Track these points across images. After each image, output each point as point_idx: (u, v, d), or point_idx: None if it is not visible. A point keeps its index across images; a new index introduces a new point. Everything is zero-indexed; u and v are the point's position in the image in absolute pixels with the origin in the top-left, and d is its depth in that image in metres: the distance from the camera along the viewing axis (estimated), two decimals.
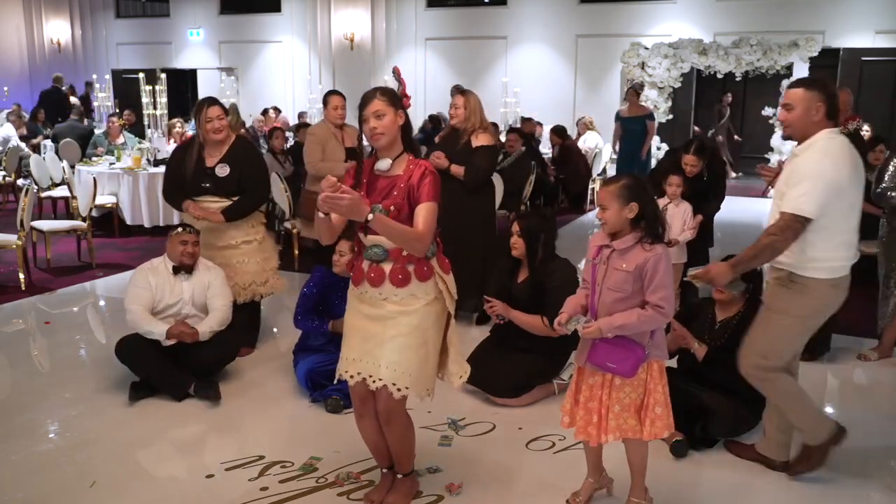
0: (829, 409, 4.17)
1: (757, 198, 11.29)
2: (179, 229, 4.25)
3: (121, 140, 9.46)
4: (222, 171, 4.42)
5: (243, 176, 4.46)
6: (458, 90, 5.22)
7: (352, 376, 2.80)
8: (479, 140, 5.04)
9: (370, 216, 2.53)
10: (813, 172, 2.95)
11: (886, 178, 4.62)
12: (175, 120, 10.24)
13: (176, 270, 4.20)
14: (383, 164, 2.75)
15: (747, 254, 3.05)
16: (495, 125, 9.92)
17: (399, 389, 2.74)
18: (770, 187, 3.81)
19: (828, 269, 3.04)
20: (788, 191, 3.00)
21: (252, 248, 4.61)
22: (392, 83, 2.76)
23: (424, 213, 2.69)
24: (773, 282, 3.18)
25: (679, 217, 4.92)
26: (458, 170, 4.99)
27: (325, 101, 5.81)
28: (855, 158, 3.04)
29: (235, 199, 4.46)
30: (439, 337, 2.86)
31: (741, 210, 10.60)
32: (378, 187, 2.75)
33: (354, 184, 2.78)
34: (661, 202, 4.96)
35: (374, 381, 2.75)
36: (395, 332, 2.74)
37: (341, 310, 4.13)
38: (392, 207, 2.69)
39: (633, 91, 10.03)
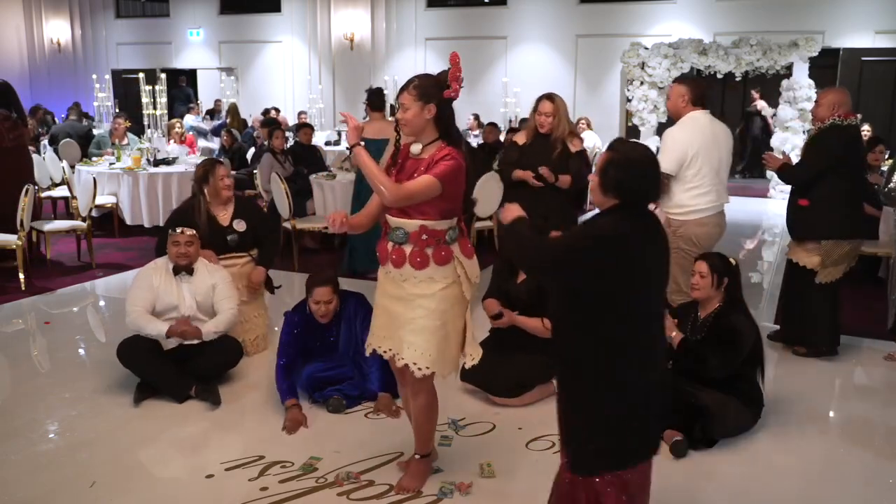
0: (829, 412, 4.18)
1: (755, 198, 11.29)
2: (174, 230, 4.20)
3: (125, 141, 9.46)
4: (240, 226, 4.66)
5: (258, 227, 4.74)
6: (545, 96, 4.96)
7: (385, 351, 2.98)
8: (576, 145, 4.94)
9: (358, 145, 2.85)
10: (666, 141, 4.33)
11: (895, 179, 4.63)
12: (174, 120, 10.24)
13: (176, 271, 4.19)
14: (415, 147, 2.92)
15: None
16: (494, 125, 9.98)
17: (420, 369, 2.87)
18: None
19: (690, 211, 4.32)
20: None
21: (261, 303, 4.85)
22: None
23: (418, 180, 2.80)
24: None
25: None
26: (566, 179, 4.80)
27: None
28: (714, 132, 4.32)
29: (254, 251, 4.76)
30: (460, 319, 2.98)
31: (738, 210, 10.60)
32: (406, 168, 2.92)
33: (392, 163, 2.97)
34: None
35: (400, 360, 2.92)
36: (413, 315, 2.88)
37: (319, 352, 4.05)
38: None
39: (367, 103, 6.66)
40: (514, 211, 2.53)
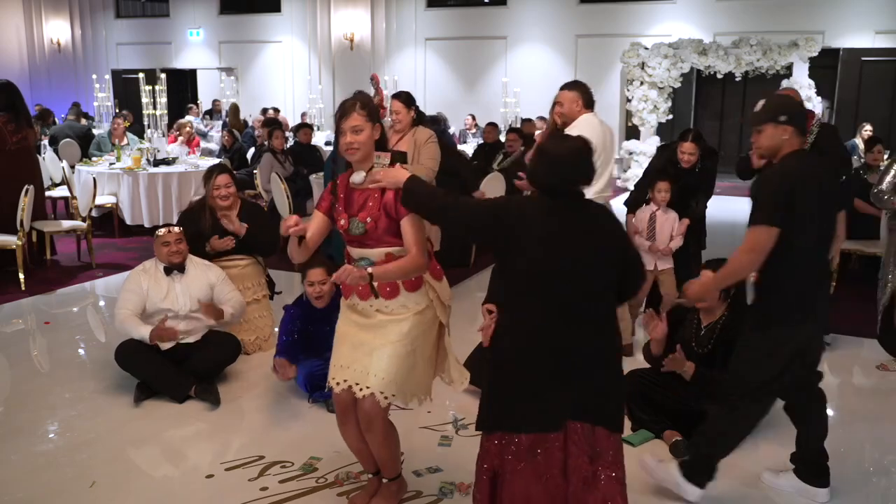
0: (829, 412, 4.17)
1: None
2: (161, 231, 4.23)
3: (125, 142, 9.46)
4: (241, 229, 4.62)
5: (259, 232, 4.71)
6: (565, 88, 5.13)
7: (338, 383, 2.77)
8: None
9: (369, 274, 2.57)
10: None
11: (886, 182, 4.63)
12: (186, 120, 10.21)
13: (168, 271, 4.19)
14: (357, 177, 2.72)
15: None
16: (494, 125, 9.97)
17: (386, 398, 2.71)
18: None
19: None
20: None
21: (263, 305, 4.84)
22: (370, 90, 2.70)
23: (411, 230, 2.65)
24: None
25: (669, 224, 4.87)
26: None
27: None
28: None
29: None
30: (428, 344, 2.83)
31: (738, 210, 10.59)
32: (354, 200, 2.73)
33: (332, 199, 2.79)
34: (649, 209, 4.93)
35: (360, 390, 2.72)
36: (385, 341, 2.72)
37: (326, 341, 4.01)
38: (368, 219, 2.67)
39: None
40: (400, 173, 2.62)
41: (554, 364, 2.43)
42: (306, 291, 4.02)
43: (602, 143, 4.53)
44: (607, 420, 2.50)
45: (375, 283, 2.62)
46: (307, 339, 4.05)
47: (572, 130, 4.47)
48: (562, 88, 4.60)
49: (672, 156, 5.14)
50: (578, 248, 2.42)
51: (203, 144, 11.68)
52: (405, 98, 5.07)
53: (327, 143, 11.89)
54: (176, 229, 4.25)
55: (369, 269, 2.58)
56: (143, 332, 3.99)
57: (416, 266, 2.66)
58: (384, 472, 2.99)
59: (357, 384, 2.73)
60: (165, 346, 4.07)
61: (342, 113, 2.68)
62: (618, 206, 5.44)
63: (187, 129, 9.89)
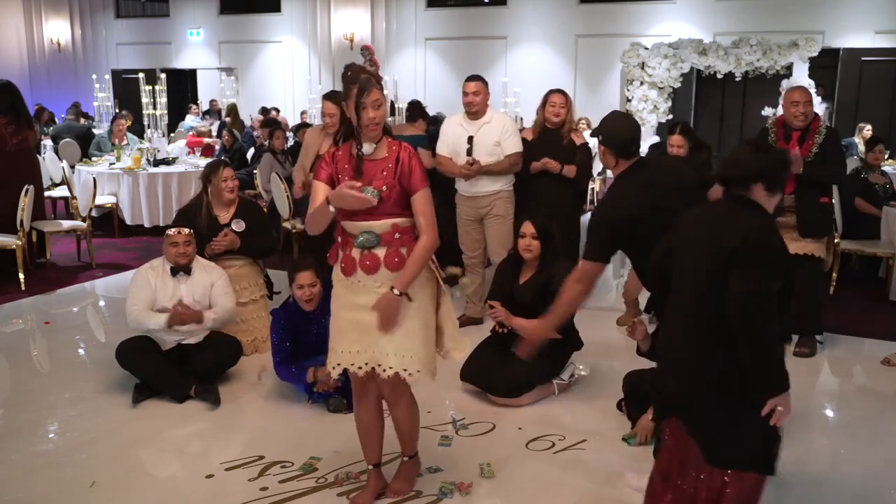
0: (829, 412, 4.17)
1: None
2: (170, 231, 4.23)
3: (125, 142, 9.45)
4: (238, 226, 4.64)
5: (256, 230, 4.72)
6: (556, 90, 5.17)
7: (360, 368, 2.80)
8: (580, 138, 5.19)
9: (402, 294, 2.71)
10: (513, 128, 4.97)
11: None
12: (206, 129, 10.20)
13: (174, 272, 4.19)
14: (367, 148, 2.75)
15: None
16: None
17: (410, 374, 2.77)
18: None
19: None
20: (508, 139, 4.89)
21: (261, 305, 4.80)
22: (360, 62, 2.71)
23: (424, 203, 2.72)
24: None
25: None
26: (571, 170, 5.04)
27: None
28: None
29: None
30: (434, 316, 2.89)
31: None
32: (366, 172, 2.74)
33: (333, 168, 2.79)
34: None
35: (384, 371, 2.77)
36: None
37: (315, 345, 3.96)
38: (384, 188, 2.70)
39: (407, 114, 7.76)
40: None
41: (662, 352, 2.58)
42: (295, 295, 3.97)
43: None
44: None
45: (398, 291, 2.70)
46: (304, 351, 4.03)
47: (494, 121, 4.89)
48: (472, 80, 4.84)
49: (663, 150, 5.22)
50: (695, 243, 2.39)
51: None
52: (338, 98, 4.89)
53: None
54: (186, 230, 4.23)
55: (396, 291, 2.68)
56: (159, 319, 4.01)
57: (431, 243, 2.73)
58: (405, 450, 3.07)
59: (379, 365, 2.77)
60: (167, 345, 4.08)
61: (362, 89, 2.66)
62: None
63: (208, 138, 9.95)
